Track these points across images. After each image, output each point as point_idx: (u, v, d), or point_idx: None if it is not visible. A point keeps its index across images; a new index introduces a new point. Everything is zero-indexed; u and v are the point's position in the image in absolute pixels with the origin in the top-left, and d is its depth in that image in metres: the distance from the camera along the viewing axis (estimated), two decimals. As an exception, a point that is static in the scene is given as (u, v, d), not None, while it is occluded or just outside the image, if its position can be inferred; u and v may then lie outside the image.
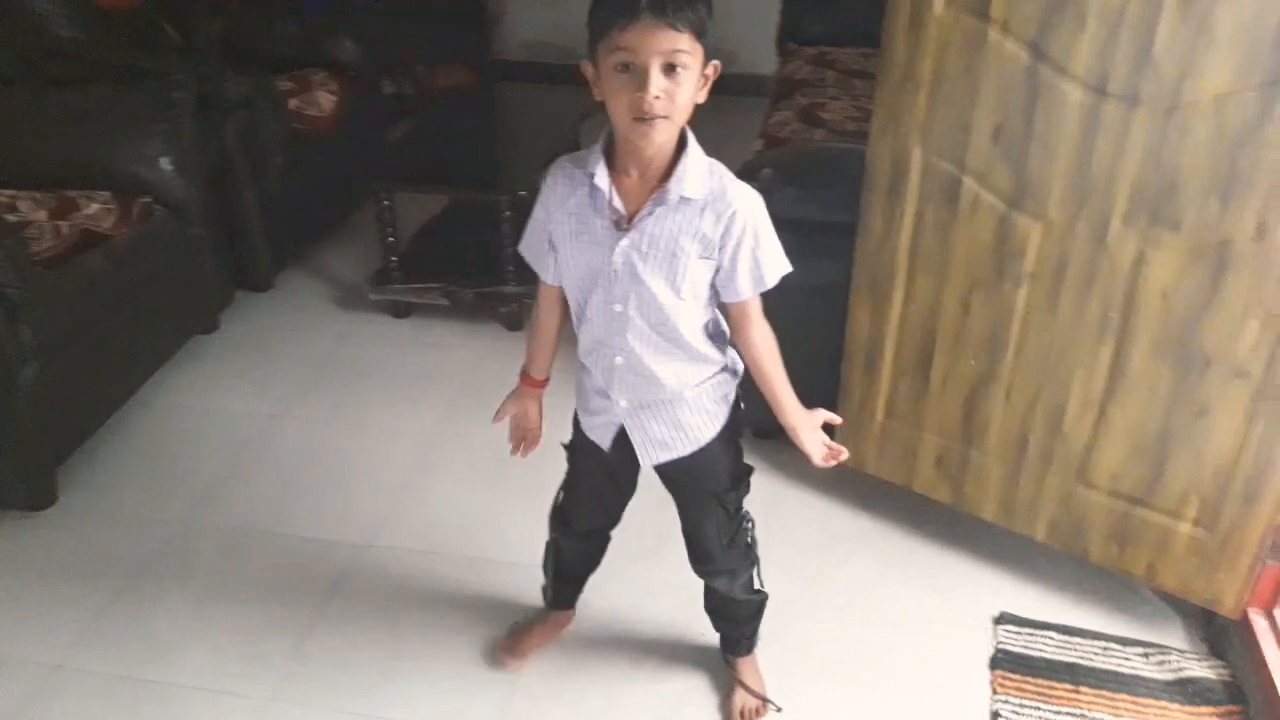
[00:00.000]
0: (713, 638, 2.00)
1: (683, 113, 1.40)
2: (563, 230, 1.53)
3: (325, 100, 3.62)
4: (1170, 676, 2.01)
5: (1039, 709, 1.96)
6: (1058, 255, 1.91)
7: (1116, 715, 1.94)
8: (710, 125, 1.48)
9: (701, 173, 1.47)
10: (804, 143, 3.03)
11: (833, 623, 2.05)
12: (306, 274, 3.51)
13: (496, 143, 3.71)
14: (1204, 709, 1.95)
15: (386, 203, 3.16)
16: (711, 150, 1.51)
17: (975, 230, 1.98)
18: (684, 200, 1.46)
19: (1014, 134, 1.88)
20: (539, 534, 1.98)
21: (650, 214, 1.47)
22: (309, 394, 2.88)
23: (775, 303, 2.37)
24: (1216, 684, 1.99)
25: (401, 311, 3.28)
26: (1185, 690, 1.98)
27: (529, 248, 1.61)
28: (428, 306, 3.25)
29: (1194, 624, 2.14)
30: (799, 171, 2.30)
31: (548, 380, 1.77)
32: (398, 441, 2.67)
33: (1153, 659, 2.06)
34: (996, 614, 2.16)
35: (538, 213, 1.57)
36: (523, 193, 3.06)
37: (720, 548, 1.78)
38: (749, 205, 1.49)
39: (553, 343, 1.72)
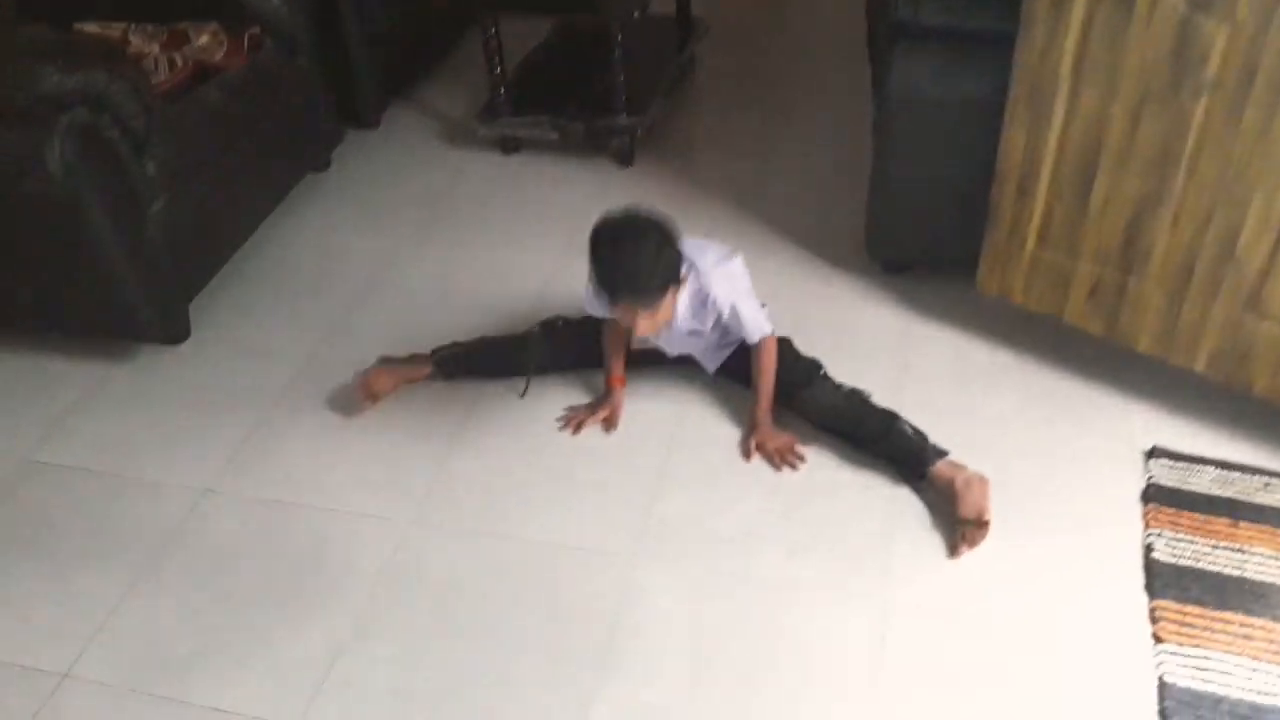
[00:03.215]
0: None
1: (664, 318, 1.98)
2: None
3: (424, -75, 3.46)
4: (1336, 512, 1.93)
5: (1194, 543, 1.89)
6: (1245, 61, 1.73)
7: (1278, 551, 1.87)
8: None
9: (688, 294, 2.02)
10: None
11: (974, 459, 1.98)
12: (413, 110, 3.44)
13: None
14: (1372, 545, 1.86)
15: (493, 31, 3.04)
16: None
17: (1152, 35, 1.80)
18: (680, 320, 2.04)
19: (1204, -78, 1.69)
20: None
21: (663, 337, 2.12)
22: (425, 232, 2.85)
23: (919, 123, 2.23)
24: (1387, 520, 1.90)
25: (510, 147, 3.20)
26: (1352, 526, 1.90)
27: (595, 308, 2.06)
28: (537, 141, 3.16)
29: (1361, 459, 2.03)
30: (948, -23, 2.13)
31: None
32: (517, 279, 2.63)
33: (1317, 496, 1.97)
34: (1148, 448, 2.07)
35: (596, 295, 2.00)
36: (635, 14, 2.92)
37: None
38: (725, 295, 2.02)
39: (624, 351, 2.19)
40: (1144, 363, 2.15)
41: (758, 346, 2.10)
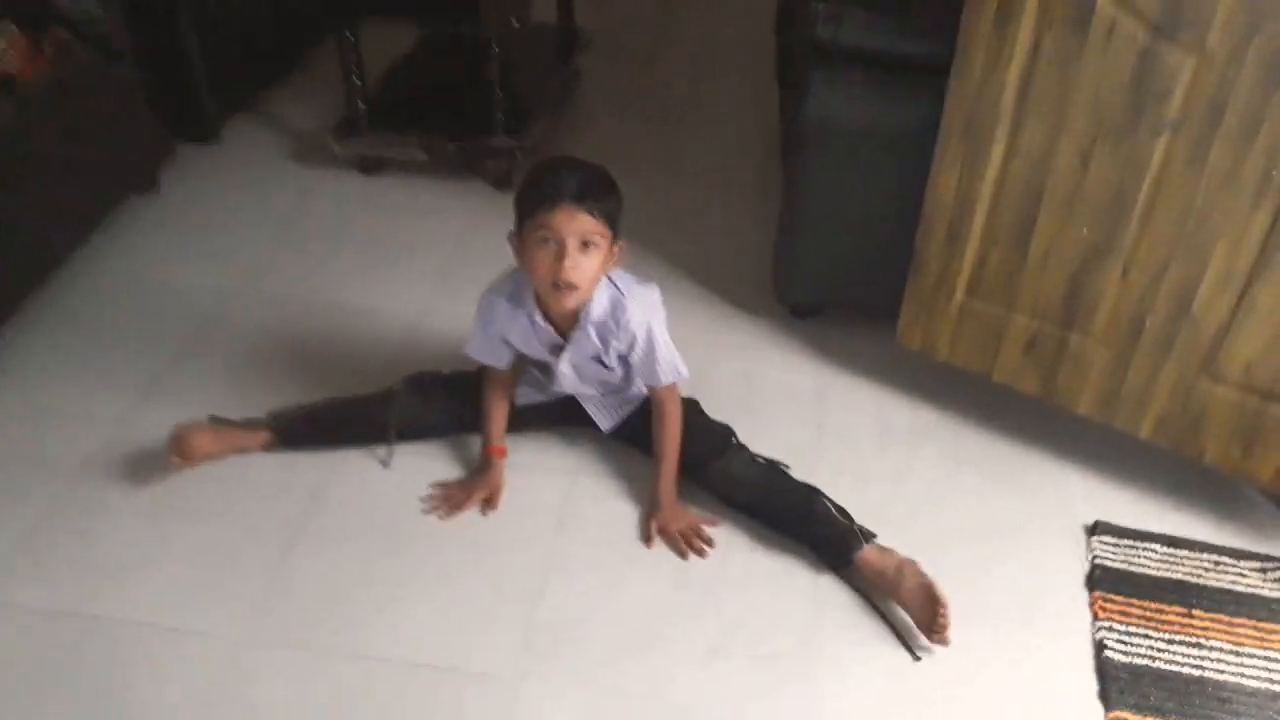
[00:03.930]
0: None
1: (591, 283, 1.68)
2: (514, 340, 1.82)
3: (272, -87, 3.08)
4: (1293, 595, 1.75)
5: (1148, 636, 1.69)
6: (1213, 96, 1.53)
7: (1237, 644, 1.68)
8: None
9: (606, 298, 1.74)
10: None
11: (902, 536, 1.74)
12: (258, 123, 3.04)
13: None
14: (1336, 633, 1.69)
15: (351, 37, 2.68)
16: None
17: (1108, 65, 1.58)
18: (593, 322, 1.74)
19: (1169, -61, 1.48)
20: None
21: (574, 341, 1.77)
22: (271, 264, 2.47)
23: (837, 154, 1.97)
24: (1349, 604, 1.73)
25: (371, 167, 2.84)
26: (1313, 611, 1.72)
27: (481, 351, 1.85)
28: (402, 161, 2.81)
29: (1313, 532, 1.87)
30: (872, -7, 1.88)
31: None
32: (379, 320, 2.28)
33: (1271, 575, 1.79)
34: (1090, 523, 1.87)
35: (486, 327, 1.81)
36: (516, 24, 2.61)
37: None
38: (640, 318, 1.75)
39: (507, 413, 1.91)
40: (1077, 425, 1.95)
41: (662, 405, 1.83)
